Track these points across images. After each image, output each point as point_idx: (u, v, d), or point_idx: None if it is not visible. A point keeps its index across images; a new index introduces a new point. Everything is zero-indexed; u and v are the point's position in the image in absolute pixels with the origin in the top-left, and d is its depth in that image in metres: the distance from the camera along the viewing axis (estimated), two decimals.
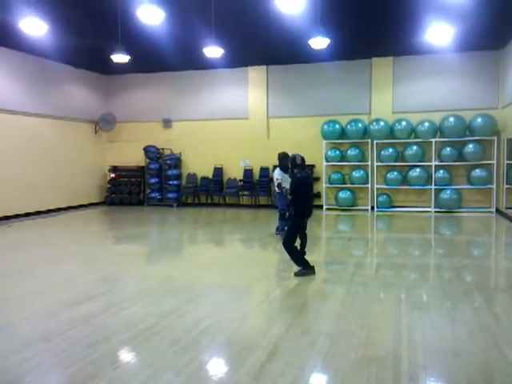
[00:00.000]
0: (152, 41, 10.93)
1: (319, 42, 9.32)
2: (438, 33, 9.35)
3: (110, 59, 10.65)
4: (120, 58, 10.61)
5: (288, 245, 6.23)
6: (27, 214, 12.51)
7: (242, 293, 5.67)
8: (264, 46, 12.01)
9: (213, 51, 10.20)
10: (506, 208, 11.68)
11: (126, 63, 11.46)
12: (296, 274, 6.17)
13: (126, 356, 3.89)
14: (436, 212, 12.69)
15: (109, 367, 3.56)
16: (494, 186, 12.42)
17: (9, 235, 10.12)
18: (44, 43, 11.04)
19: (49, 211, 13.27)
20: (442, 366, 3.52)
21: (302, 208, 6.22)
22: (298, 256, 6.31)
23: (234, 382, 3.30)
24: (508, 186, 11.63)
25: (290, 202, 6.36)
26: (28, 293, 5.58)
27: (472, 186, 12.63)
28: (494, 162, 12.38)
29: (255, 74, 14.41)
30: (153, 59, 13.24)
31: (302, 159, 6.31)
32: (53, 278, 6.31)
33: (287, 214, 6.79)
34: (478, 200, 12.77)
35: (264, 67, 14.30)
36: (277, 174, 8.56)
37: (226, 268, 6.87)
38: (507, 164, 11.69)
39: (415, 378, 3.32)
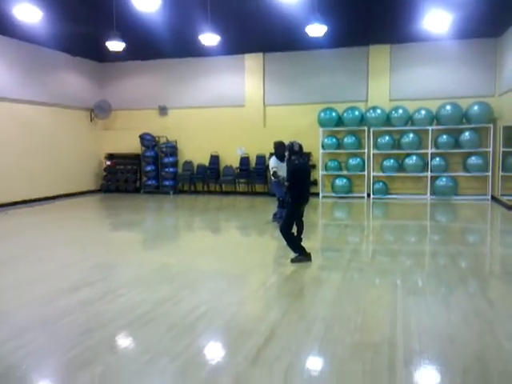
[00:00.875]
0: (147, 28, 10.82)
1: (316, 29, 9.28)
2: (436, 20, 9.33)
3: (106, 46, 10.56)
4: (115, 45, 10.52)
5: (285, 231, 6.25)
6: (23, 202, 12.48)
7: (238, 279, 5.70)
8: (261, 33, 11.90)
9: (209, 38, 10.12)
10: (502, 195, 11.74)
11: (122, 50, 11.37)
12: (292, 261, 6.20)
13: (123, 342, 3.91)
14: (432, 199, 12.74)
15: (106, 353, 3.58)
16: (490, 174, 12.45)
17: (5, 222, 10.10)
18: (39, 30, 10.92)
19: (45, 199, 13.22)
20: (437, 352, 3.55)
21: (299, 195, 6.24)
22: (294, 242, 6.34)
23: (232, 366, 3.33)
24: (503, 174, 11.68)
25: (287, 188, 6.37)
26: (25, 280, 5.59)
27: (468, 174, 12.67)
28: (490, 149, 12.40)
29: (252, 62, 14.32)
30: (148, 46, 13.12)
31: (300, 146, 6.30)
32: (49, 264, 6.32)
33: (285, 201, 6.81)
34: (473, 187, 12.80)
35: (261, 54, 14.20)
36: (272, 163, 8.50)
37: (223, 255, 6.89)
38: (503, 152, 11.72)
39: (410, 363, 3.36)
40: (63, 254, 6.92)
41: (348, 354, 3.51)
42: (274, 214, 9.15)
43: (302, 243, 6.45)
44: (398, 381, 3.11)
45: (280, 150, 8.31)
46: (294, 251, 6.31)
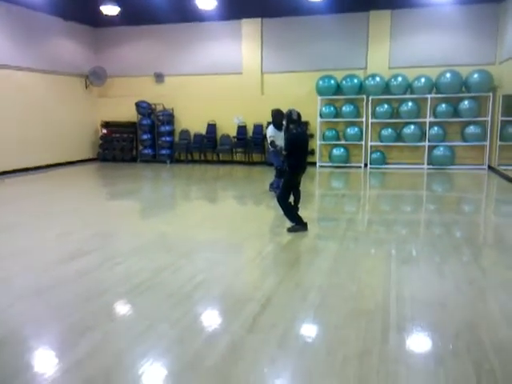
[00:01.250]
0: None
1: None
2: None
3: (100, 11, 10.30)
4: (110, 9, 10.29)
5: (282, 200, 6.27)
6: (18, 171, 12.42)
7: (235, 248, 5.75)
8: None
9: (205, 2, 9.89)
10: (498, 165, 11.74)
11: (116, 15, 11.13)
12: (289, 230, 6.24)
13: (122, 309, 3.97)
14: (429, 169, 12.74)
15: (105, 319, 3.65)
16: (488, 143, 12.42)
17: (1, 191, 10.08)
18: None
19: (40, 167, 13.17)
20: (429, 319, 3.63)
21: (296, 164, 6.21)
22: (291, 212, 6.37)
23: (229, 333, 3.40)
24: (501, 143, 11.65)
25: (284, 157, 6.35)
26: (21, 248, 5.62)
27: (466, 143, 12.64)
28: (489, 118, 12.32)
29: (249, 27, 14.01)
30: (144, 11, 12.78)
31: (298, 115, 6.22)
32: (46, 233, 6.35)
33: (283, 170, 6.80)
34: (471, 157, 12.80)
35: (258, 20, 13.88)
36: (270, 132, 8.38)
37: (220, 224, 6.93)
38: (502, 121, 11.66)
39: (403, 329, 3.43)
40: (60, 223, 6.94)
41: (342, 321, 3.58)
42: (271, 184, 9.15)
43: (299, 213, 6.48)
44: (391, 346, 3.18)
45: (278, 118, 8.13)
46: (291, 221, 6.34)
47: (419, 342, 3.32)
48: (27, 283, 4.45)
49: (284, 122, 6.40)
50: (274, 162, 8.78)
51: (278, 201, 6.33)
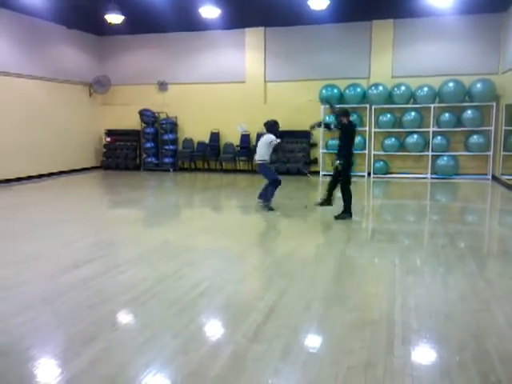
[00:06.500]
0: (147, 0, 10.62)
1: (319, 2, 9.12)
2: None
3: (104, 20, 10.37)
4: (114, 18, 10.37)
5: (347, 189, 7.28)
6: (22, 179, 12.46)
7: (238, 257, 5.73)
8: (262, 6, 11.66)
9: (209, 11, 9.96)
10: (502, 175, 11.71)
11: (121, 24, 11.22)
12: (337, 218, 7.27)
13: (125, 318, 3.96)
14: (432, 178, 12.72)
15: (109, 328, 3.63)
16: (491, 153, 12.40)
17: (5, 199, 10.11)
18: (35, 1, 10.71)
19: (44, 175, 13.21)
20: (434, 330, 3.59)
21: (349, 153, 7.22)
22: (350, 200, 7.30)
23: (231, 343, 3.38)
24: (505, 153, 11.62)
25: (337, 152, 7.40)
26: (26, 256, 5.62)
27: (469, 153, 12.62)
28: (492, 128, 12.31)
29: (252, 36, 14.09)
30: (148, 20, 12.87)
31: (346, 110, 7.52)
32: (50, 241, 6.35)
33: (338, 163, 7.42)
34: (474, 166, 12.77)
35: (262, 29, 13.97)
36: (272, 137, 8.41)
37: (223, 233, 6.91)
38: (505, 130, 11.64)
39: (408, 340, 3.40)
40: (64, 232, 6.94)
41: (346, 332, 3.55)
42: (261, 194, 8.71)
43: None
44: (396, 358, 3.15)
45: (275, 128, 8.51)
46: (345, 209, 7.31)
47: (425, 354, 3.28)
48: (32, 291, 4.45)
49: (335, 119, 7.78)
50: (267, 176, 8.55)
51: (344, 191, 7.18)
